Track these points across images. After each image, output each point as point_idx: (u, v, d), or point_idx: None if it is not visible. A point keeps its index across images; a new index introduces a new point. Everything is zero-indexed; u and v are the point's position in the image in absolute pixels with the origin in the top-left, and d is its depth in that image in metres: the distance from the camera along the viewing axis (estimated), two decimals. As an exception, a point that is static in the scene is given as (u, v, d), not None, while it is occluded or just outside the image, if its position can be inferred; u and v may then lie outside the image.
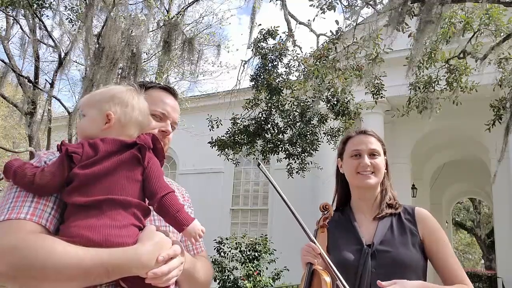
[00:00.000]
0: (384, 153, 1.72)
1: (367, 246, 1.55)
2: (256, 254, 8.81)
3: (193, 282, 1.21)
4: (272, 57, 7.17)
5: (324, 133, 7.56)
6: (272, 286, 8.44)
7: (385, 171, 1.70)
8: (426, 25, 4.81)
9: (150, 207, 1.12)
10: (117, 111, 1.15)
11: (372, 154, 1.65)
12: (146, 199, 1.11)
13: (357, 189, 1.69)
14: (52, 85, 9.31)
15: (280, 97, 7.20)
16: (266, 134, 7.48)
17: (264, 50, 7.17)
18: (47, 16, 8.97)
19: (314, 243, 1.43)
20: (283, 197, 1.46)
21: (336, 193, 1.77)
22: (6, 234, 0.94)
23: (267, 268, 8.79)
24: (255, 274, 8.36)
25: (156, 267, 1.00)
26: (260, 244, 8.99)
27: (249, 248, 8.94)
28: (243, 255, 8.88)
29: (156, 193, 1.07)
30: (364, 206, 1.68)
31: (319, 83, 6.61)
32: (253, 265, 8.55)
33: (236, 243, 9.09)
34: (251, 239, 9.28)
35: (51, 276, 0.91)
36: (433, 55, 6.32)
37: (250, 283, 8.17)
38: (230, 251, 9.05)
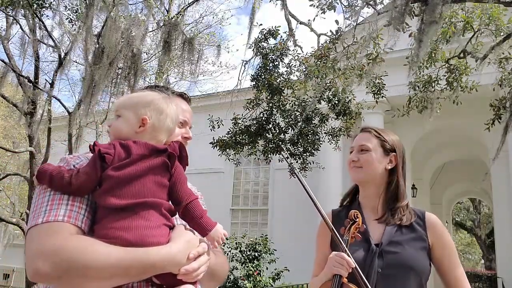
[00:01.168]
0: (390, 150, 1.69)
1: (375, 245, 1.54)
2: (256, 254, 8.81)
3: (213, 276, 1.28)
4: (273, 57, 7.17)
5: (325, 133, 7.56)
6: (272, 286, 8.44)
7: (388, 168, 1.68)
8: (430, 26, 4.79)
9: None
10: (152, 117, 1.20)
11: (361, 150, 1.69)
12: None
13: (358, 185, 1.74)
14: (52, 85, 9.30)
15: (281, 97, 7.21)
16: (267, 134, 7.48)
17: (265, 50, 7.17)
18: (47, 16, 8.97)
19: (349, 256, 1.42)
20: (320, 211, 1.46)
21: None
22: (48, 236, 0.99)
23: (267, 268, 8.79)
24: (255, 274, 8.36)
25: (187, 263, 1.08)
26: (260, 244, 8.99)
27: (249, 248, 8.94)
28: (243, 255, 8.88)
29: (181, 201, 1.15)
30: (368, 203, 1.68)
31: (320, 82, 6.61)
32: (253, 265, 8.55)
33: (236, 243, 9.09)
34: (251, 239, 9.28)
35: (94, 275, 0.96)
36: (433, 55, 6.32)
37: (250, 283, 8.17)
38: (230, 251, 9.05)
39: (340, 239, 1.45)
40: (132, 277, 1.01)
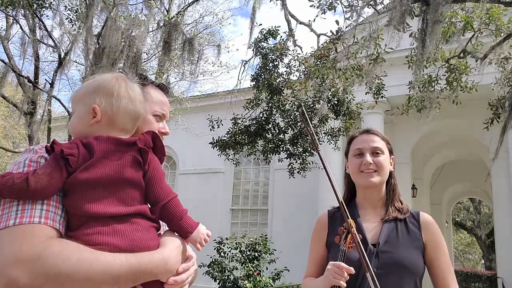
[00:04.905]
0: (391, 152, 1.71)
1: (372, 245, 1.54)
2: (256, 254, 8.80)
3: None
4: (273, 57, 7.16)
5: (324, 133, 7.56)
6: (272, 286, 8.44)
7: (392, 170, 1.69)
8: (434, 25, 4.79)
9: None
10: (103, 103, 1.05)
11: (375, 152, 1.64)
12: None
13: (362, 188, 1.68)
14: (52, 85, 9.30)
15: (281, 97, 7.20)
16: (267, 134, 7.47)
17: (264, 50, 7.17)
18: (47, 16, 9.00)
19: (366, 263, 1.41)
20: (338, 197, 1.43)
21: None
22: (24, 241, 0.87)
23: (267, 268, 8.79)
24: (255, 274, 8.36)
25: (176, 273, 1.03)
26: (260, 244, 8.98)
27: (249, 248, 8.94)
28: (243, 255, 8.88)
29: (158, 200, 1.04)
30: (369, 205, 1.67)
31: (320, 83, 6.61)
32: (253, 265, 8.54)
33: (236, 243, 9.09)
34: (251, 239, 9.27)
35: (80, 283, 0.87)
36: (433, 55, 6.32)
37: (250, 283, 8.17)
38: (230, 251, 9.05)
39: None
40: (122, 285, 0.92)
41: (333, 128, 7.62)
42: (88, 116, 1.05)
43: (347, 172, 1.74)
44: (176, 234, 1.08)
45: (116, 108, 1.06)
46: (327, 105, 7.22)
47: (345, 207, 1.43)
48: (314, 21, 7.31)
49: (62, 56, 9.02)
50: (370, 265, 1.41)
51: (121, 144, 1.03)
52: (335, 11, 6.34)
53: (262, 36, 7.21)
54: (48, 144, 1.00)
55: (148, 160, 1.04)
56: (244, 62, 7.78)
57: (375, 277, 1.35)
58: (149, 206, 1.06)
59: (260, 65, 7.28)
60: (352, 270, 1.38)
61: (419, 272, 1.54)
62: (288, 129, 7.39)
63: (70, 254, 0.87)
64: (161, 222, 1.10)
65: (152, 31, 9.63)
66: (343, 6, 6.21)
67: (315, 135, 1.43)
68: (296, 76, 7.38)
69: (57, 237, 0.92)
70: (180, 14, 8.83)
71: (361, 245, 1.41)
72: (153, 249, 0.99)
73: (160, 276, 0.98)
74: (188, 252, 1.10)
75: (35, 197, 0.93)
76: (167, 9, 9.60)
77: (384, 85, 7.01)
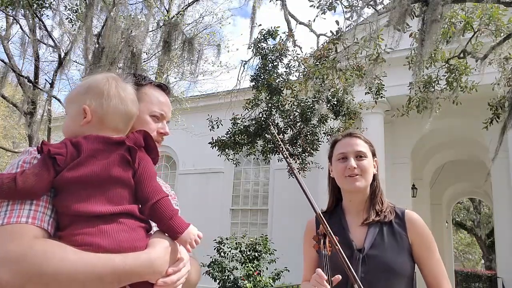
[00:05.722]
0: (373, 155, 1.69)
1: (358, 251, 1.53)
2: (256, 254, 8.80)
3: (185, 284, 1.18)
4: (272, 57, 7.17)
5: (324, 133, 7.56)
6: (272, 286, 8.44)
7: (376, 173, 1.68)
8: (432, 25, 4.81)
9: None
10: (93, 103, 1.06)
11: (359, 156, 1.63)
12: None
13: (347, 192, 1.67)
14: (52, 85, 9.31)
15: (280, 97, 7.20)
16: (266, 134, 7.48)
17: (264, 50, 7.17)
18: (47, 16, 8.99)
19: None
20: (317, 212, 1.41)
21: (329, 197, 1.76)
22: (10, 240, 0.88)
23: (267, 268, 8.78)
24: (255, 274, 8.35)
25: (165, 274, 1.00)
26: (260, 244, 8.98)
27: (249, 248, 8.94)
28: (243, 255, 8.87)
29: (148, 199, 1.02)
30: (354, 209, 1.66)
31: (320, 83, 6.62)
32: (253, 265, 8.54)
33: (236, 243, 9.08)
34: (251, 239, 9.27)
35: (63, 283, 0.87)
36: (433, 55, 6.33)
37: (250, 283, 8.16)
38: (230, 251, 9.04)
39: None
40: (107, 285, 0.92)
41: (333, 128, 7.63)
42: (79, 116, 1.06)
43: (331, 176, 1.72)
44: (166, 234, 1.06)
45: (106, 108, 1.07)
46: (327, 105, 7.22)
47: (322, 215, 1.41)
48: (314, 21, 7.34)
49: (62, 56, 9.03)
50: (352, 268, 1.37)
51: (110, 143, 1.03)
52: (335, 11, 6.34)
53: (262, 37, 7.22)
54: (39, 145, 1.01)
55: (139, 159, 1.03)
56: (244, 62, 7.79)
57: (357, 279, 1.34)
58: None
59: (260, 65, 7.29)
60: (337, 279, 1.37)
61: (408, 274, 1.53)
62: (288, 129, 7.39)
63: (53, 255, 0.87)
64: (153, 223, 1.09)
65: (152, 31, 9.63)
66: (343, 6, 6.21)
67: (286, 151, 1.42)
68: (296, 76, 7.39)
69: (44, 237, 0.93)
70: (180, 14, 8.83)
71: (340, 248, 1.38)
72: (140, 250, 0.97)
73: (148, 277, 0.96)
74: (181, 253, 1.07)
75: (24, 197, 0.94)
76: (167, 9, 9.60)
77: (384, 85, 7.01)
